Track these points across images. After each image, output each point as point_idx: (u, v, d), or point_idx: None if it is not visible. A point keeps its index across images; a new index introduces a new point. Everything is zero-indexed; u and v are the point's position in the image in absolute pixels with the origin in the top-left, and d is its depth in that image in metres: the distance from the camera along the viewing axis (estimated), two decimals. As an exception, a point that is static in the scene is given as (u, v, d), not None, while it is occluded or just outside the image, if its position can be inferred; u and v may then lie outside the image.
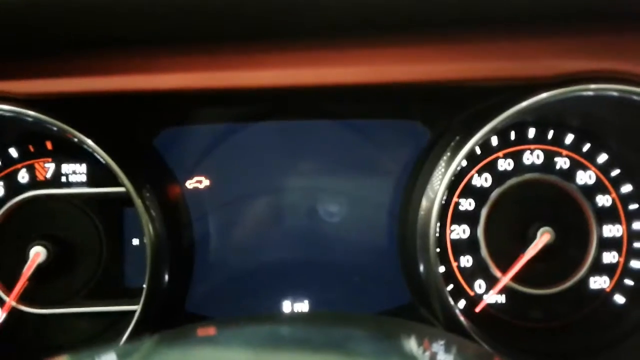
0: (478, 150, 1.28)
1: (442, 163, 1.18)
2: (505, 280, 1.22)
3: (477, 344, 1.12)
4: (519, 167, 1.28)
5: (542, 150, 1.29)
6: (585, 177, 1.29)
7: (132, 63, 1.12)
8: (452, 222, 1.28)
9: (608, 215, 1.29)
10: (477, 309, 1.25)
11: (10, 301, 1.22)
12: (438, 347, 0.67)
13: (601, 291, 1.29)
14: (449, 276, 1.27)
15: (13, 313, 1.25)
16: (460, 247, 1.28)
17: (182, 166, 1.34)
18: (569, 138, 1.29)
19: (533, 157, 1.29)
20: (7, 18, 1.01)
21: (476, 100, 1.20)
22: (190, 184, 1.34)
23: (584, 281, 1.28)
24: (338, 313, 0.74)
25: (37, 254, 1.21)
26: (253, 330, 0.69)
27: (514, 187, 1.27)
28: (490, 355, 0.87)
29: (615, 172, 1.29)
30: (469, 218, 1.28)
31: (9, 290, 1.24)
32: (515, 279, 1.24)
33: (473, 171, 1.28)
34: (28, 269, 1.20)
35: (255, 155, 1.34)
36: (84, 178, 1.29)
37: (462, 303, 1.27)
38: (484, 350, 0.99)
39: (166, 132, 1.33)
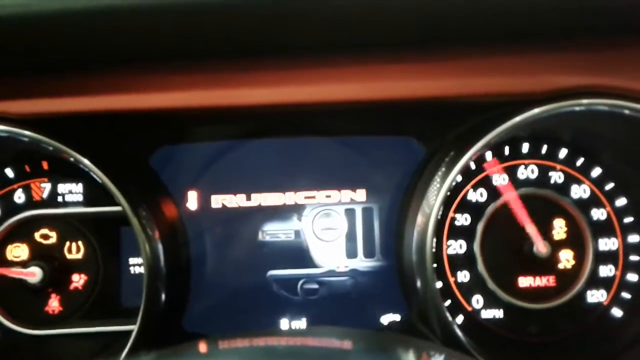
0: (473, 166, 1.28)
1: (437, 179, 1.18)
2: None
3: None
4: (514, 182, 1.29)
5: (537, 165, 1.30)
6: (579, 191, 1.29)
7: (127, 82, 1.12)
8: (449, 238, 1.28)
9: (603, 228, 1.29)
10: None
11: None
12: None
13: (598, 305, 1.29)
14: (447, 292, 1.27)
15: (9, 334, 1.25)
16: (457, 262, 1.28)
17: (179, 184, 1.34)
18: (563, 152, 1.30)
19: (527, 171, 1.29)
20: (2, 38, 1.01)
21: (470, 115, 1.21)
22: (186, 202, 1.34)
23: (581, 295, 1.28)
24: (335, 328, 0.74)
25: (32, 273, 1.21)
26: (251, 345, 0.69)
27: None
28: None
29: (609, 186, 1.30)
30: (465, 233, 1.28)
31: (5, 311, 1.24)
32: (512, 293, 1.24)
33: (468, 186, 1.29)
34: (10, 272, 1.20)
35: (251, 173, 1.34)
36: (80, 197, 1.29)
37: (460, 318, 1.27)
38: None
39: (162, 150, 1.33)
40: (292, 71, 1.13)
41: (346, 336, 0.72)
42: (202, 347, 0.71)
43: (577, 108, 1.10)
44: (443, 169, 1.17)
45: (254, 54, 1.11)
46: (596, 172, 1.30)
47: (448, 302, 1.27)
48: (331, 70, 1.12)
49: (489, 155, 1.28)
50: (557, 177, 1.29)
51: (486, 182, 1.29)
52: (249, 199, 1.34)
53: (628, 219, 1.30)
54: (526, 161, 1.29)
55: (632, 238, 1.29)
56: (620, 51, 1.11)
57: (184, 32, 1.03)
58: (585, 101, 1.10)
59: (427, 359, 0.67)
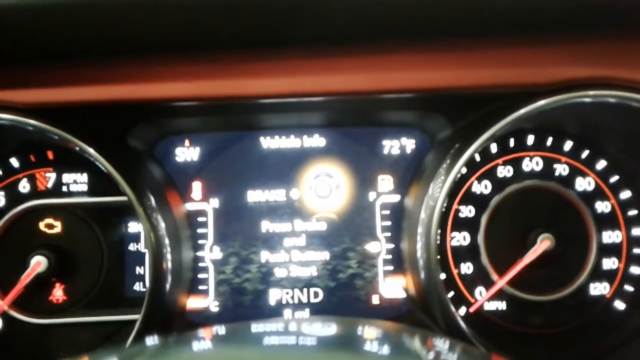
0: (477, 158, 1.28)
1: (442, 170, 1.18)
2: (501, 283, 1.23)
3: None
4: (519, 174, 1.29)
5: (541, 157, 1.30)
6: (584, 184, 1.29)
7: (133, 72, 1.12)
8: (453, 229, 1.29)
9: (607, 221, 1.29)
10: (471, 309, 1.26)
11: (4, 305, 1.21)
12: (442, 346, 0.67)
13: (601, 297, 1.29)
14: (450, 283, 1.28)
15: (13, 323, 1.25)
16: (461, 254, 1.29)
17: (183, 175, 1.34)
18: (568, 145, 1.30)
19: (532, 163, 1.29)
20: (7, 26, 1.01)
21: (475, 107, 1.21)
22: (190, 192, 1.34)
23: (584, 287, 1.28)
24: (340, 318, 0.74)
25: (38, 263, 1.21)
26: (262, 330, 0.70)
27: (513, 193, 1.27)
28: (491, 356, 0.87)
29: (614, 179, 1.30)
30: (469, 225, 1.28)
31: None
32: (515, 285, 1.25)
33: (473, 178, 1.29)
34: (26, 277, 1.20)
35: (256, 164, 1.34)
36: (85, 187, 1.30)
37: (463, 310, 1.27)
38: (487, 353, 0.99)
39: (167, 140, 1.33)
40: (297, 62, 1.13)
41: (351, 323, 0.72)
42: (210, 331, 0.71)
43: (583, 100, 1.10)
44: (448, 161, 1.17)
45: (259, 45, 1.11)
46: (601, 164, 1.30)
47: (451, 294, 1.27)
48: (337, 62, 1.12)
49: (494, 147, 1.28)
50: (562, 169, 1.29)
51: (491, 174, 1.29)
52: (253, 190, 1.34)
53: (632, 212, 1.30)
54: (531, 153, 1.29)
55: (636, 231, 1.29)
56: (627, 43, 1.10)
57: (186, 24, 1.03)
58: (591, 93, 1.10)
59: (432, 343, 0.68)
